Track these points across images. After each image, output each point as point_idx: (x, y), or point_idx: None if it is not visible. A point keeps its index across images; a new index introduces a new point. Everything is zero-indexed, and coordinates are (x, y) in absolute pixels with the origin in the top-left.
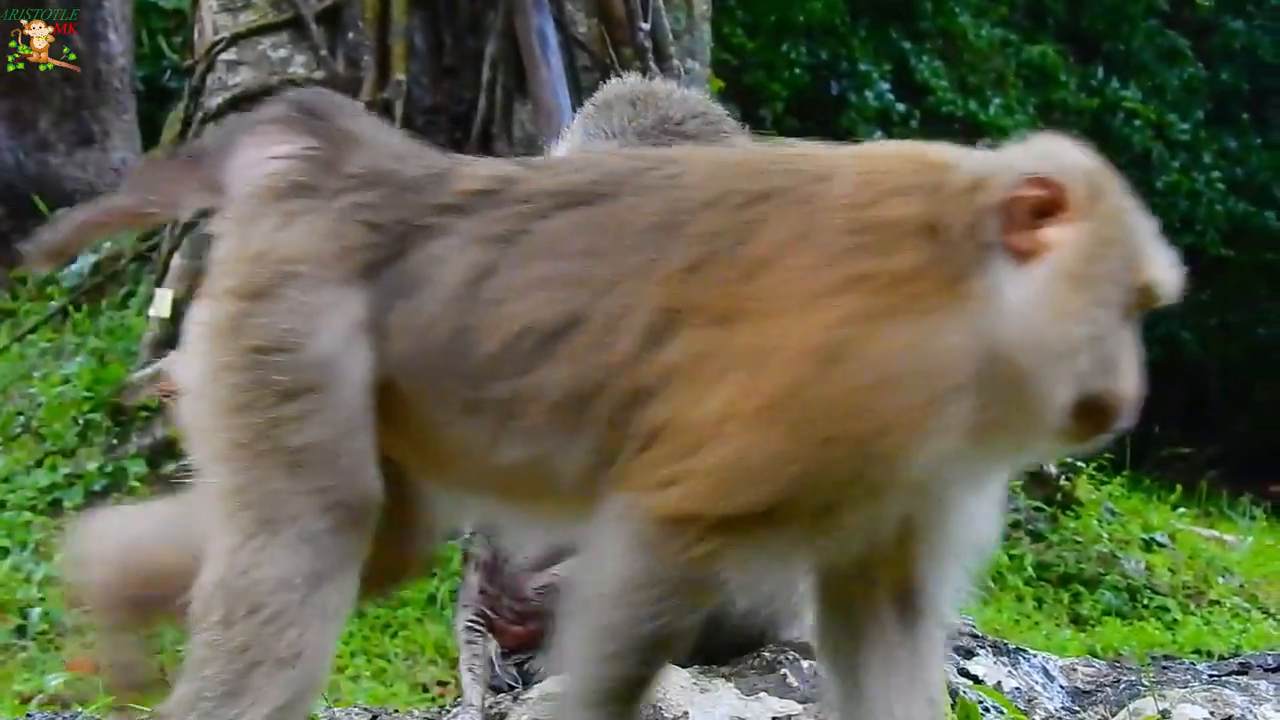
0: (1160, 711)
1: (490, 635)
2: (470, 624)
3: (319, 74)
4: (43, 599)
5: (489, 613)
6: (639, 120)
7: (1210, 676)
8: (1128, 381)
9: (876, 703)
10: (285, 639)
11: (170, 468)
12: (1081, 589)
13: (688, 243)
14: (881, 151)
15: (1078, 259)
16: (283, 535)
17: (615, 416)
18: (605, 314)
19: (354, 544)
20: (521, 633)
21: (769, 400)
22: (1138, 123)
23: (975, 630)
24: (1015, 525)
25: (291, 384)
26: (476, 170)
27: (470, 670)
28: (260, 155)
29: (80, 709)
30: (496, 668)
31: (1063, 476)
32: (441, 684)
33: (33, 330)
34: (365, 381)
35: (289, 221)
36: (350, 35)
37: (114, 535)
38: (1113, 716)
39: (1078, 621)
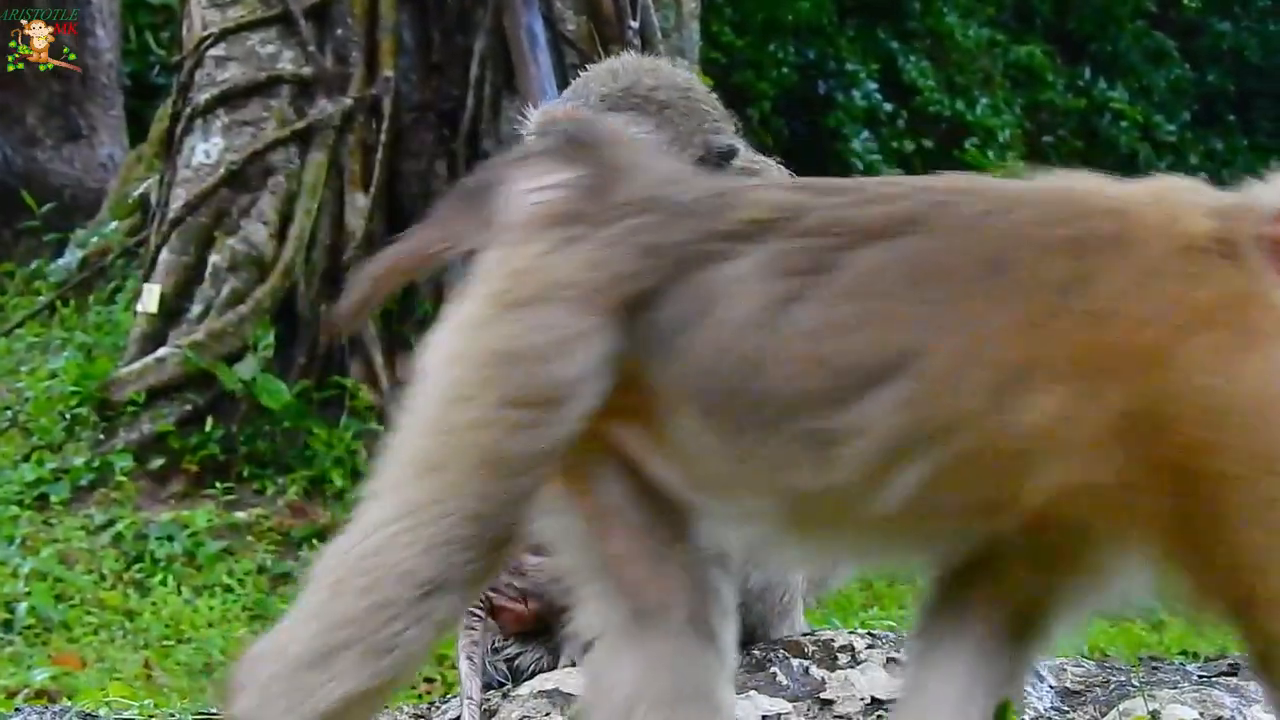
0: (1150, 712)
1: (490, 618)
2: (471, 609)
3: (307, 70)
4: (29, 593)
5: (489, 594)
6: (609, 86)
7: (1200, 677)
8: None
9: (950, 705)
10: (388, 630)
11: (157, 463)
12: None
13: (1020, 291)
14: (1157, 184)
15: None
16: (424, 530)
17: (963, 470)
18: (942, 359)
19: (480, 566)
20: (522, 612)
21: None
22: (1124, 123)
23: None
24: None
25: (520, 393)
26: (759, 196)
27: (469, 659)
28: (530, 184)
29: (68, 703)
30: (488, 663)
31: None
32: (428, 680)
33: (20, 325)
34: (585, 414)
35: (558, 247)
36: (339, 31)
37: None
38: (1102, 717)
39: None
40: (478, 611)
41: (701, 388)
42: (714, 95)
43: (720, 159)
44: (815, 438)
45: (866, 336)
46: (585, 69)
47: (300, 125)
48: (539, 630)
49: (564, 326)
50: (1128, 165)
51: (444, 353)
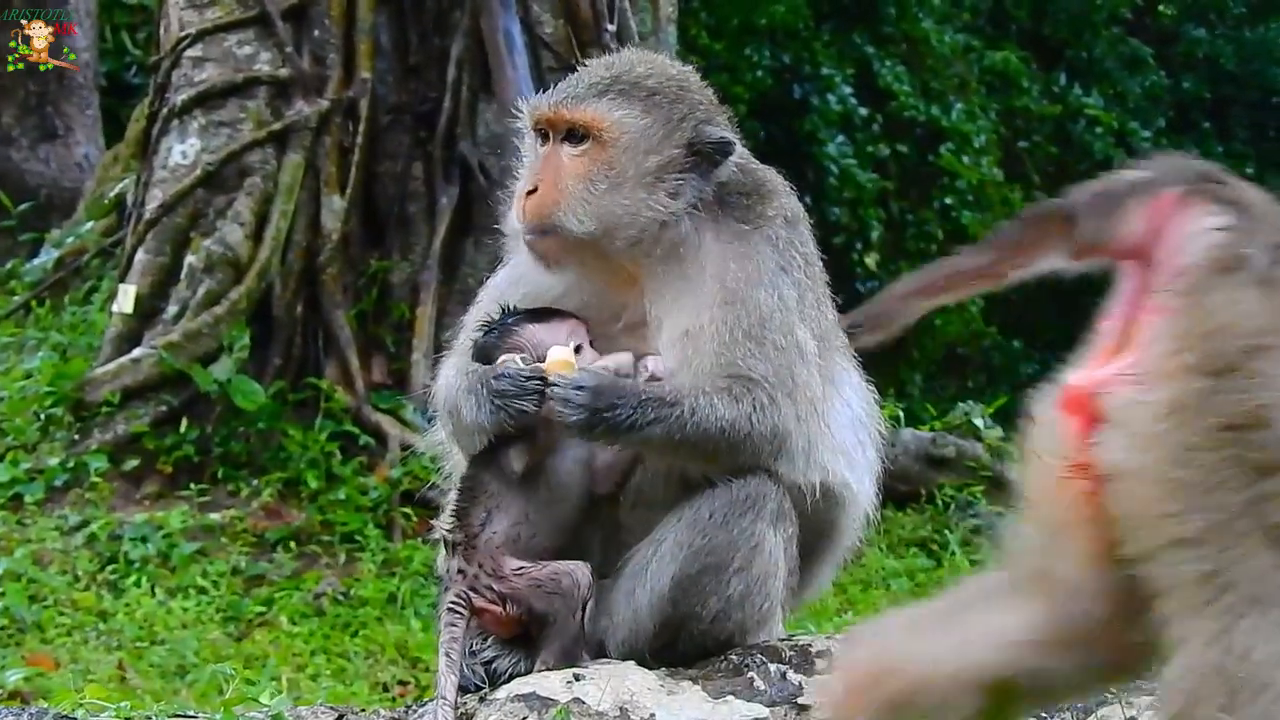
0: (1128, 718)
1: (471, 618)
2: (452, 606)
3: (284, 71)
4: (2, 594)
5: (469, 593)
6: (600, 74)
7: None
8: None
9: None
10: None
11: (131, 464)
12: None
13: None
14: None
15: None
16: (1274, 613)
17: None
18: None
19: None
20: (500, 614)
21: None
22: (1099, 130)
23: None
24: (976, 531)
25: (1274, 459)
26: None
27: (448, 655)
28: (1191, 228)
29: (43, 704)
30: (465, 667)
31: None
32: (402, 683)
33: None
34: None
35: (1242, 295)
36: (316, 32)
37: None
38: None
39: None
40: (460, 609)
41: None
42: (709, 90)
43: (716, 152)
44: None
45: None
46: (568, 71)
47: (277, 126)
48: (517, 635)
49: None
50: (1102, 172)
51: (1172, 446)
